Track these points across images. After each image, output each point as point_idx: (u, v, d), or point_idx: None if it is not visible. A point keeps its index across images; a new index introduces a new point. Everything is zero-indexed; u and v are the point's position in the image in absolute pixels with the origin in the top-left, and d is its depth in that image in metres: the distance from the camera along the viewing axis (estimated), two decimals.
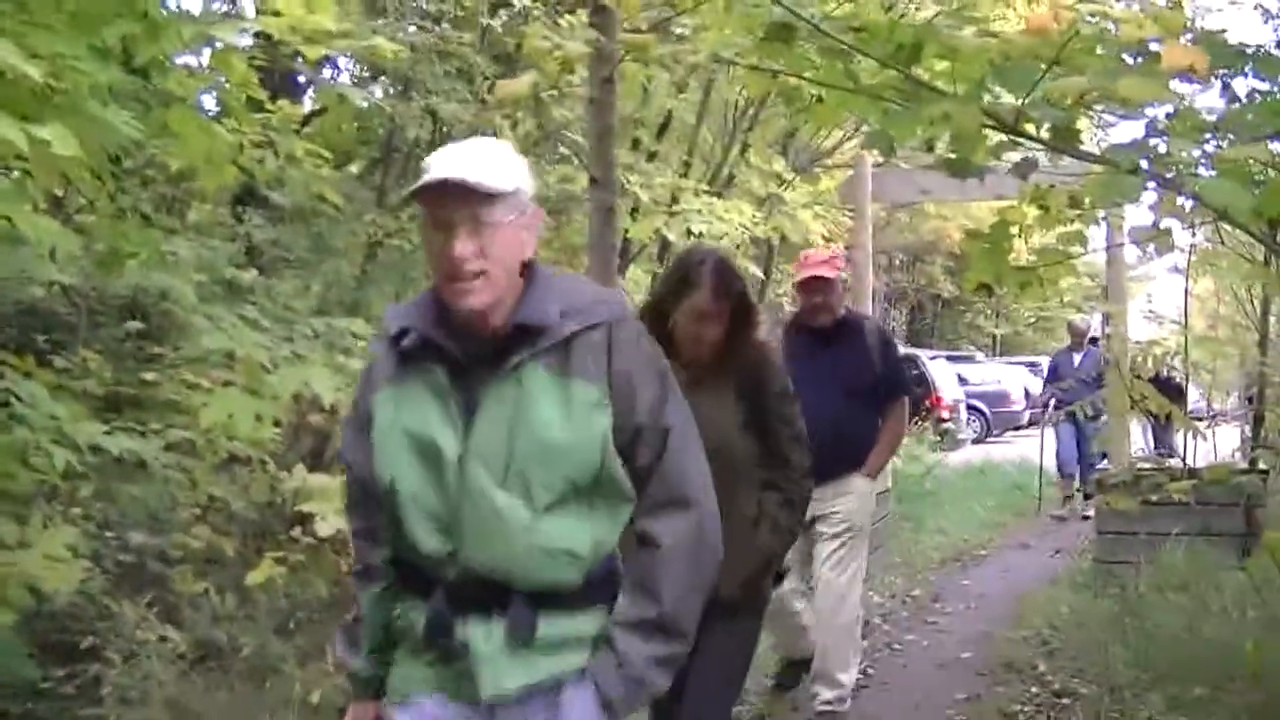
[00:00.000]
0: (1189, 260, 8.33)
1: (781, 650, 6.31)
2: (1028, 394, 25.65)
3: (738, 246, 11.86)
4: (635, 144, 11.82)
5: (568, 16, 8.78)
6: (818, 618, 5.88)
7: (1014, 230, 4.68)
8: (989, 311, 40.91)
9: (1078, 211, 4.64)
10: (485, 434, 2.33)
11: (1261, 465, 8.85)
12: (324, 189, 6.72)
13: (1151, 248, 4.22)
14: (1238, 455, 10.41)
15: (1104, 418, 11.37)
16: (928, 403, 19.65)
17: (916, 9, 8.43)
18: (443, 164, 2.31)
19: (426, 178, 2.29)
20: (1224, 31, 3.93)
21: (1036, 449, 14.62)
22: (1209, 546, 7.89)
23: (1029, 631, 7.79)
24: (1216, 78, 3.93)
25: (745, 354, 3.88)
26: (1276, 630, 6.10)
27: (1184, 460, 8.97)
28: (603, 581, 2.43)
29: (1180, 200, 3.80)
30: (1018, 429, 25.64)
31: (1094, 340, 14.19)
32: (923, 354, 24.75)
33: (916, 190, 10.14)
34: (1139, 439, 12.91)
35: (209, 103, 5.57)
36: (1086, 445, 12.87)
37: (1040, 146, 4.18)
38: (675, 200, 11.29)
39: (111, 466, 5.49)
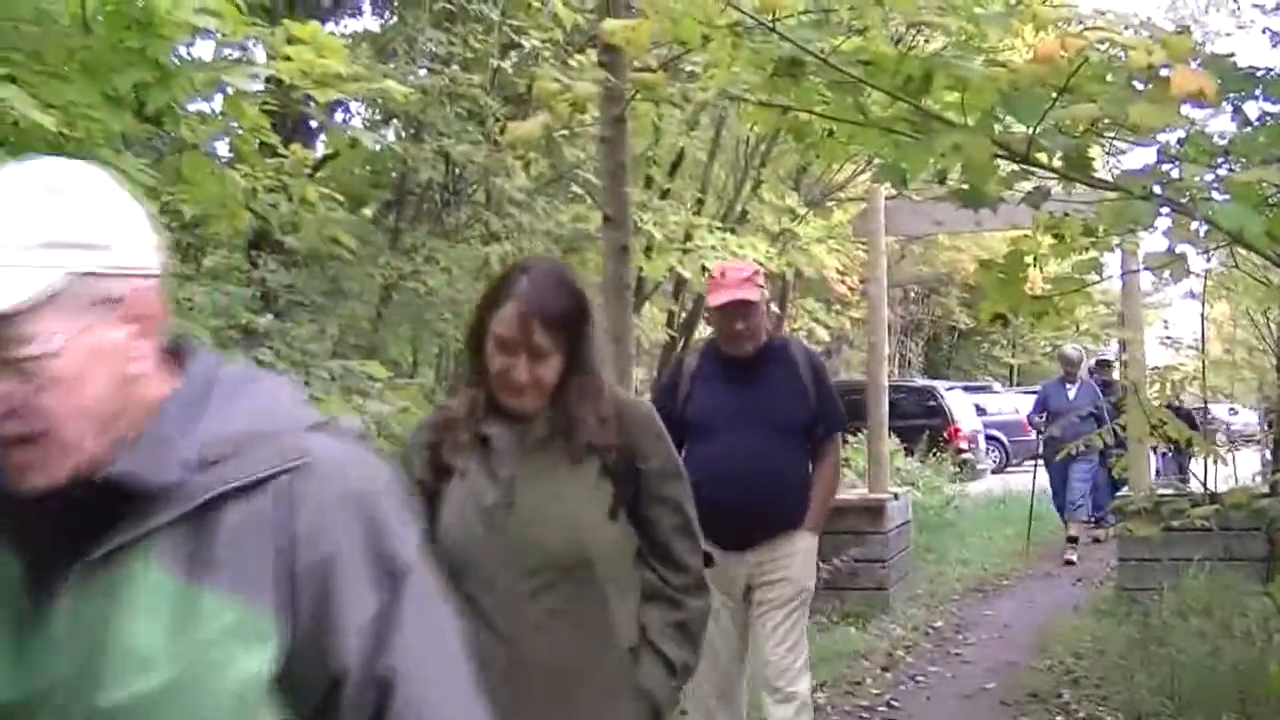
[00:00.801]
0: (1204, 285, 8.32)
1: None
2: None
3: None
4: (648, 182, 11.88)
5: (577, 56, 8.86)
6: (768, 712, 4.93)
7: (1028, 260, 4.68)
8: (1005, 341, 40.79)
9: (1092, 239, 4.63)
10: (52, 669, 1.33)
11: None
12: (338, 232, 6.74)
13: (1167, 273, 4.20)
14: (1258, 479, 10.35)
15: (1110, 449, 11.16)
16: (946, 434, 19.60)
17: (926, 41, 8.45)
18: None
19: None
20: (1232, 55, 3.95)
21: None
22: (1231, 571, 7.86)
23: (1053, 660, 7.79)
24: (1226, 102, 3.93)
25: (602, 409, 2.69)
26: None
27: (1205, 485, 8.93)
28: None
29: (1194, 225, 3.80)
30: (1036, 458, 25.44)
31: (1091, 372, 13.94)
32: (940, 385, 24.80)
33: (930, 222, 10.09)
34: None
35: (222, 148, 5.62)
36: (1083, 485, 12.54)
37: (1052, 175, 4.18)
38: (689, 237, 11.32)
39: None
